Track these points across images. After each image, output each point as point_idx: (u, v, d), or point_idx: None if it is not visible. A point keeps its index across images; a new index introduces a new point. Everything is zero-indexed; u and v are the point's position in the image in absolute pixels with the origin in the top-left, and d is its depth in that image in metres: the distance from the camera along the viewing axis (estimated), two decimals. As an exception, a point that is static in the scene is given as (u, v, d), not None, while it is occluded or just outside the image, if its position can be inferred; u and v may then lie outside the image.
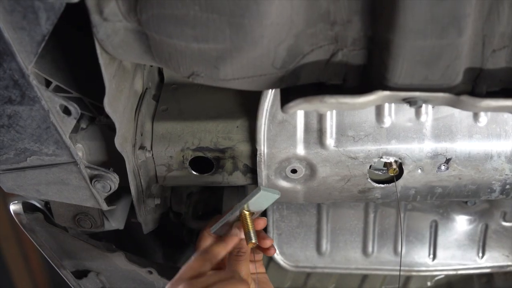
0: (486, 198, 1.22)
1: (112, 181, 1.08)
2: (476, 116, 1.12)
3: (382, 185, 1.18)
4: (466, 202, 1.58)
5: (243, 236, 1.04)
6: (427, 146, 1.13)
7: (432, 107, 1.12)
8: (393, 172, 1.14)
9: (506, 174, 1.15)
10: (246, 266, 1.04)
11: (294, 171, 1.17)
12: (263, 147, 1.14)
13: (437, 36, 0.82)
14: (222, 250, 1.04)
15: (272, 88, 1.03)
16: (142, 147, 1.17)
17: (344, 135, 1.13)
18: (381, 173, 1.19)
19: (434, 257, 1.65)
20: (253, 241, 1.02)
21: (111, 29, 0.85)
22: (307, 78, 0.95)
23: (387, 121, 1.12)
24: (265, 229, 1.31)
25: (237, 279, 1.00)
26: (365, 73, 0.93)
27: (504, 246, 1.62)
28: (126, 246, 1.38)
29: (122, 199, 1.27)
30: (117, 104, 1.03)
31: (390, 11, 0.80)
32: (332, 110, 1.12)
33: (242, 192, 1.50)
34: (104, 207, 1.15)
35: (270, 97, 1.10)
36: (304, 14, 0.85)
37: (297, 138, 1.13)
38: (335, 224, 1.63)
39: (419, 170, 1.15)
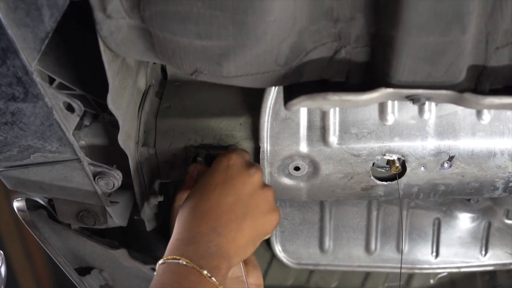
0: (489, 195, 1.22)
1: (115, 178, 1.08)
2: (479, 114, 1.12)
3: (385, 183, 1.18)
4: (469, 200, 1.58)
5: None
6: (430, 144, 1.12)
7: (435, 105, 1.12)
8: (395, 170, 1.14)
9: (509, 172, 1.15)
10: None
11: (297, 168, 1.17)
12: (266, 145, 1.14)
13: (440, 33, 0.82)
14: None
15: (275, 86, 1.03)
16: (145, 144, 1.18)
17: (347, 133, 1.13)
18: (384, 170, 1.19)
19: (437, 254, 1.65)
20: None
21: (114, 26, 0.85)
22: (310, 75, 0.95)
23: (390, 119, 1.12)
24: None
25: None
26: (368, 71, 0.93)
27: (507, 244, 1.62)
28: (129, 243, 1.38)
29: (125, 196, 1.27)
30: (121, 101, 1.03)
31: (393, 7, 0.80)
32: (335, 108, 1.12)
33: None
34: (107, 204, 1.15)
35: (273, 94, 1.10)
36: (307, 11, 0.85)
37: (300, 135, 1.13)
38: (338, 221, 1.63)
39: (422, 168, 1.15)
